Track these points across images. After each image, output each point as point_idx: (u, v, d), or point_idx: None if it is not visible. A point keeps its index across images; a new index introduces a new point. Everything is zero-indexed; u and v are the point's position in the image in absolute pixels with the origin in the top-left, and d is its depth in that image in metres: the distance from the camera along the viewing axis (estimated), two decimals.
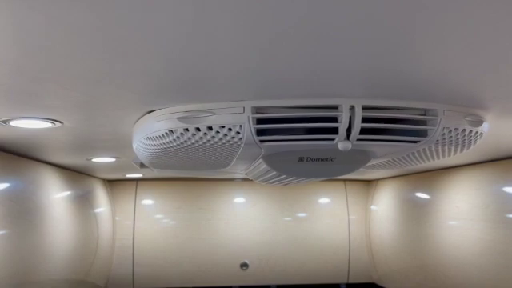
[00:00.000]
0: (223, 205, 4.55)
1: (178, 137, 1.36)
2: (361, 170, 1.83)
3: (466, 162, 2.86)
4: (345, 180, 4.65)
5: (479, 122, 1.41)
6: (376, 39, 0.87)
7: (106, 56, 0.93)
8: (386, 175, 4.07)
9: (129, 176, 4.06)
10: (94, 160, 2.70)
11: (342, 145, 1.31)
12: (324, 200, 4.69)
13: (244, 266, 4.44)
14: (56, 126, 1.60)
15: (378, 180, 4.48)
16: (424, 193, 3.57)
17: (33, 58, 0.93)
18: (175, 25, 0.79)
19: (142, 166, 2.46)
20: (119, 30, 0.81)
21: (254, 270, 4.44)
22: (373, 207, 4.52)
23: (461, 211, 2.99)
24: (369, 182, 4.68)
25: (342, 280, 4.55)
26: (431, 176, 3.40)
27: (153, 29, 0.81)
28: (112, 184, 4.41)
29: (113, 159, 2.70)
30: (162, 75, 1.08)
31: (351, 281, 4.55)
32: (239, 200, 4.61)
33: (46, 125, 1.58)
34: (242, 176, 3.47)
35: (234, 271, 4.42)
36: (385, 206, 4.25)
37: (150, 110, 1.42)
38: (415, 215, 3.63)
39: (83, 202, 3.51)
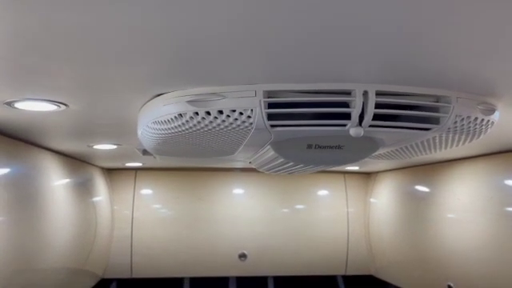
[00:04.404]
0: (222, 195, 4.54)
1: (187, 121, 1.33)
2: (365, 160, 1.82)
3: (469, 154, 2.85)
4: (344, 172, 4.64)
5: (491, 111, 1.40)
6: (391, 26, 0.86)
7: (117, 35, 0.91)
8: (386, 168, 4.06)
9: (128, 165, 4.04)
10: (95, 147, 2.68)
11: (353, 131, 1.29)
12: (323, 192, 4.69)
13: (242, 256, 4.44)
14: (61, 108, 1.57)
15: (377, 173, 4.48)
16: (425, 185, 3.57)
17: (42, 32, 0.91)
18: (188, 5, 0.77)
19: (145, 153, 2.44)
20: (131, 9, 0.79)
21: (252, 261, 4.44)
22: (372, 200, 4.52)
23: (462, 204, 2.98)
24: (368, 175, 4.67)
25: (340, 272, 4.56)
26: (432, 168, 3.40)
27: (164, 9, 0.79)
28: (111, 173, 4.39)
29: (114, 146, 2.67)
30: (173, 57, 1.06)
31: (349, 273, 4.55)
32: (238, 191, 4.60)
33: (52, 107, 1.55)
34: (242, 165, 3.46)
35: (233, 262, 4.41)
36: (384, 198, 4.25)
37: (159, 93, 1.40)
38: (415, 208, 3.63)
39: (82, 190, 3.48)
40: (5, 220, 2.14)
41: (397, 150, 1.77)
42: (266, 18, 0.83)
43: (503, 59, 1.07)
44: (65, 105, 1.54)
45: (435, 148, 1.67)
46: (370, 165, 3.72)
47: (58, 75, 1.21)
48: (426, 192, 3.54)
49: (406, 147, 1.69)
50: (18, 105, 1.51)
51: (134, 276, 4.33)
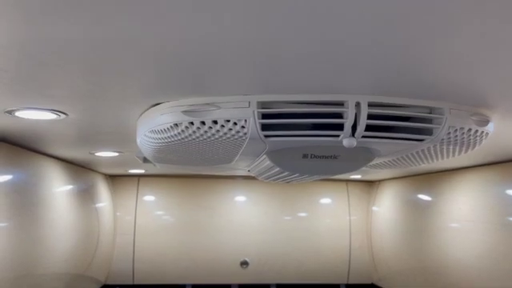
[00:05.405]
0: (224, 203, 4.55)
1: (182, 130, 1.35)
2: (363, 169, 1.83)
3: (470, 164, 2.85)
4: (347, 181, 4.64)
5: (485, 122, 1.40)
6: (384, 38, 0.87)
7: (114, 45, 0.93)
8: (388, 176, 4.06)
9: (131, 172, 4.07)
10: (97, 154, 2.70)
11: (346, 141, 1.31)
12: (325, 200, 4.69)
13: (244, 264, 4.44)
14: (61, 117, 1.60)
15: (379, 181, 4.47)
16: (426, 194, 3.57)
17: (42, 43, 0.93)
18: (184, 18, 0.79)
19: (145, 160, 2.46)
20: (128, 22, 0.81)
21: (254, 269, 4.44)
22: (374, 208, 4.52)
23: (463, 213, 2.98)
24: (371, 183, 4.67)
25: (342, 280, 4.54)
26: (434, 178, 3.40)
27: (161, 22, 0.81)
28: (114, 179, 4.42)
29: (116, 154, 2.70)
30: (169, 68, 1.08)
31: (351, 281, 4.54)
32: (240, 198, 4.61)
33: (52, 116, 1.58)
34: (244, 173, 3.48)
35: (234, 269, 4.42)
36: (386, 207, 4.25)
37: (156, 102, 1.42)
38: (417, 217, 3.62)
39: (85, 196, 3.51)
40: (8, 226, 2.17)
41: (393, 160, 1.78)
42: (261, 30, 0.84)
43: (496, 71, 1.08)
44: (64, 114, 1.56)
45: (431, 158, 1.68)
46: (372, 173, 3.72)
47: (56, 85, 1.24)
48: (427, 201, 3.53)
49: (402, 157, 1.70)
50: (19, 113, 1.54)
51: (136, 282, 4.34)
